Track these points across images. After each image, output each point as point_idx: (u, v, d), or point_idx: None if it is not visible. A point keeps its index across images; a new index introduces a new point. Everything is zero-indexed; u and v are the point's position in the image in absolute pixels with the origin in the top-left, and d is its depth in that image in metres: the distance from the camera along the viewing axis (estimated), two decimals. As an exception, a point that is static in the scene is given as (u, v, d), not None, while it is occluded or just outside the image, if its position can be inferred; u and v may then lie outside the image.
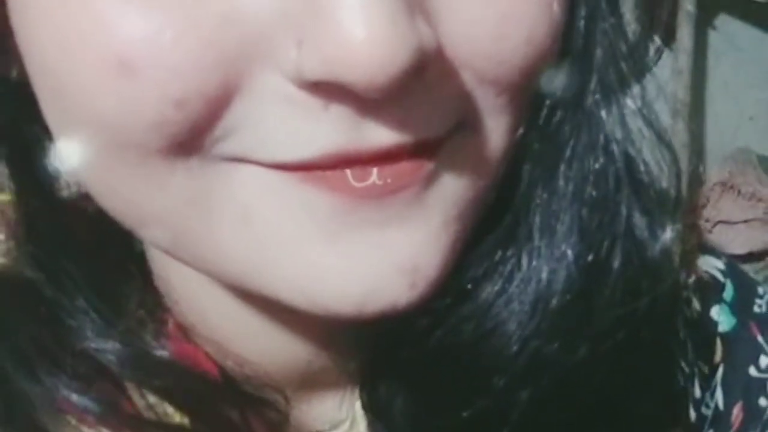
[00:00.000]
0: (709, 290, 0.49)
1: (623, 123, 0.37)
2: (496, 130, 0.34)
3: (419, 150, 0.31)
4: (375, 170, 0.30)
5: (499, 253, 0.38)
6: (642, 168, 0.38)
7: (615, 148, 0.37)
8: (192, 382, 0.40)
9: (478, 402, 0.38)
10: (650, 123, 0.38)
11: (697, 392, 0.48)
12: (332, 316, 0.32)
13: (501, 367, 0.38)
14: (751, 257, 1.99)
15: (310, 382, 0.43)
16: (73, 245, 0.40)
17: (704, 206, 2.05)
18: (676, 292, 0.43)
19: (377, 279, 0.32)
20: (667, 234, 0.38)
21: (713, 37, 2.22)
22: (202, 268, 0.35)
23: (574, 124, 0.37)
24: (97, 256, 0.40)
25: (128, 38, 0.28)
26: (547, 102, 0.36)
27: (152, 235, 0.34)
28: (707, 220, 2.03)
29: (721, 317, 0.49)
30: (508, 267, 0.38)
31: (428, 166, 0.32)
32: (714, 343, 0.49)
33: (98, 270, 0.39)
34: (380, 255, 0.32)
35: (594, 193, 0.37)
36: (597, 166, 0.37)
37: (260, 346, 0.41)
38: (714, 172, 2.16)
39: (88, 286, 0.39)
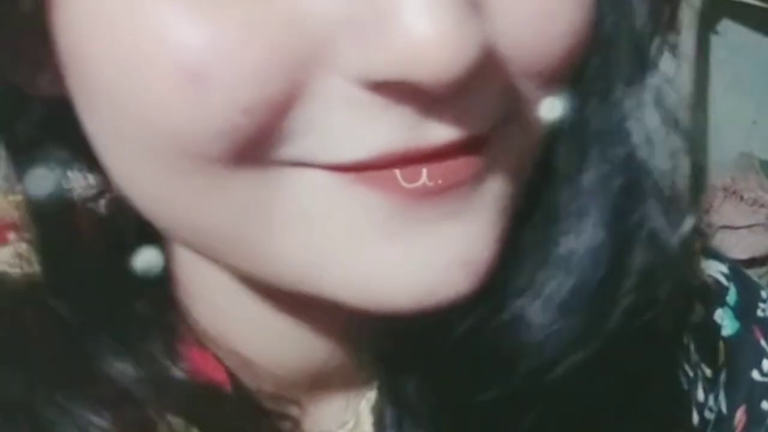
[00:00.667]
0: (713, 294, 0.50)
1: (644, 114, 0.38)
2: (537, 122, 0.34)
3: (470, 146, 0.32)
4: (425, 171, 0.31)
5: (529, 243, 0.39)
6: (660, 159, 0.39)
7: (637, 137, 0.38)
8: (207, 399, 0.40)
9: (499, 391, 0.39)
10: (667, 114, 0.39)
11: (701, 395, 0.48)
12: (392, 312, 0.33)
13: (523, 356, 0.39)
14: (754, 262, 1.99)
15: (320, 384, 0.44)
16: (83, 249, 0.40)
17: (707, 211, 2.04)
18: (690, 281, 0.44)
19: (436, 273, 0.32)
20: (686, 224, 0.39)
21: (716, 42, 2.23)
22: (253, 273, 0.35)
23: (602, 113, 0.38)
24: (108, 261, 0.40)
25: (195, 48, 0.29)
26: (577, 92, 0.37)
27: (202, 242, 0.34)
28: (710, 225, 2.03)
29: (725, 321, 0.49)
30: (537, 258, 0.39)
31: (478, 162, 0.32)
32: (717, 347, 0.49)
33: (111, 277, 0.39)
34: (438, 250, 0.32)
35: (619, 183, 0.38)
36: (622, 155, 0.38)
37: (278, 348, 0.42)
38: (717, 177, 2.16)
39: (101, 297, 0.39)
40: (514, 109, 0.33)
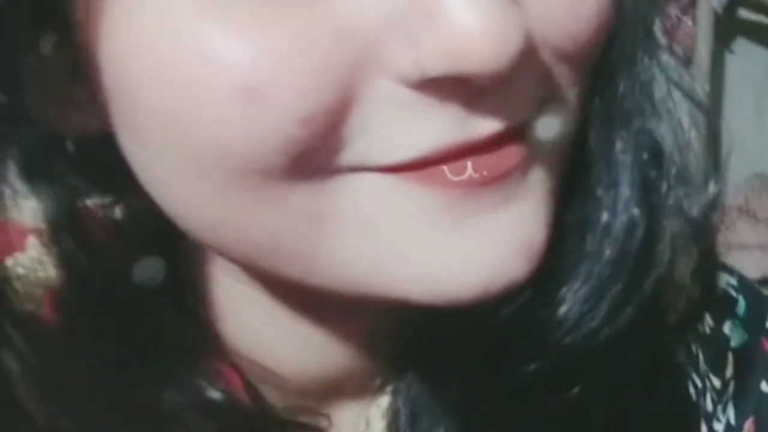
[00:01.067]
0: (722, 306, 0.50)
1: (663, 89, 0.39)
2: (572, 103, 0.35)
3: (512, 136, 0.33)
4: (469, 164, 0.32)
5: (567, 222, 0.40)
6: (680, 132, 0.40)
7: (659, 112, 0.39)
8: (242, 418, 0.41)
9: (540, 366, 0.39)
10: (685, 89, 0.40)
11: (709, 406, 0.48)
12: (457, 303, 0.33)
13: (563, 331, 0.39)
14: (766, 282, 1.99)
15: (336, 392, 0.44)
16: (99, 258, 0.40)
17: (721, 230, 2.03)
18: (712, 255, 0.45)
19: (497, 260, 0.33)
20: (707, 192, 0.40)
21: (731, 61, 2.23)
22: (307, 280, 0.35)
23: (626, 90, 0.39)
24: (126, 271, 0.40)
25: (245, 65, 0.29)
26: (604, 69, 0.38)
27: (257, 255, 0.35)
28: (723, 244, 2.02)
29: (734, 333, 0.49)
30: (576, 236, 0.40)
31: (521, 151, 0.33)
32: (726, 358, 0.49)
33: (130, 288, 0.39)
34: (496, 237, 0.33)
35: (646, 157, 0.39)
36: (646, 130, 0.39)
37: (300, 356, 0.42)
38: (731, 197, 2.16)
39: (122, 310, 0.39)
40: (549, 94, 0.34)
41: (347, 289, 0.34)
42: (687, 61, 0.42)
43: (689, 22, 2.04)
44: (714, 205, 0.41)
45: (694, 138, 0.40)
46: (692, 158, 0.40)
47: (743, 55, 2.23)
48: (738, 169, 2.24)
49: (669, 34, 0.41)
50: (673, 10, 0.42)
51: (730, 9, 2.09)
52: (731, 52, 2.22)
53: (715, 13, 2.08)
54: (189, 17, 0.30)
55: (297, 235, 0.33)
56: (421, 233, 0.32)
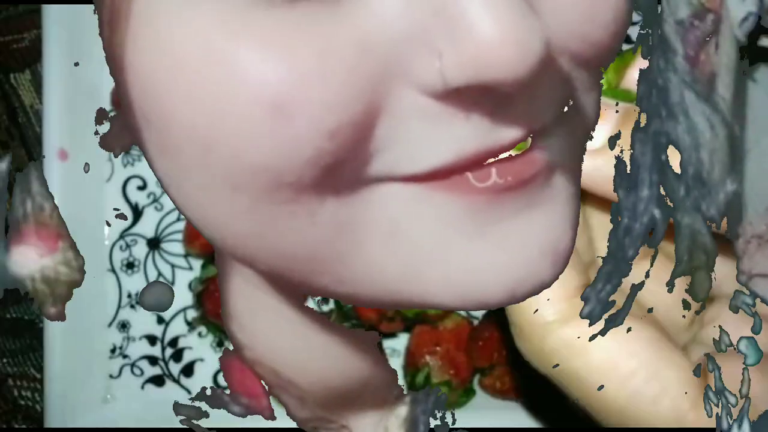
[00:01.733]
0: (738, 324, 0.50)
1: (679, 89, 0.41)
2: (590, 107, 0.36)
3: (534, 141, 0.33)
4: (493, 170, 0.32)
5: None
6: (697, 131, 0.41)
7: (676, 112, 0.40)
8: None
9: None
10: (700, 89, 0.41)
11: (725, 424, 0.48)
12: (486, 307, 0.34)
13: None
14: (787, 310, 1.97)
15: (355, 402, 0.45)
16: None
17: (740, 258, 2.02)
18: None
19: (524, 264, 0.33)
20: (725, 191, 0.42)
21: (753, 89, 2.22)
22: (340, 289, 0.35)
23: (644, 90, 0.40)
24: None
25: (273, 82, 0.29)
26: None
27: (286, 267, 0.35)
28: (743, 273, 2.00)
29: (749, 350, 0.50)
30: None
31: (544, 156, 0.33)
32: (743, 376, 0.49)
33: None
34: (521, 242, 0.33)
35: (664, 158, 0.40)
36: (664, 130, 0.40)
37: (320, 367, 0.43)
38: (751, 225, 2.15)
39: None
40: (569, 98, 0.34)
41: (378, 297, 0.35)
42: (710, 89, 0.42)
43: (712, 50, 2.04)
44: (731, 204, 0.41)
45: (711, 140, 0.41)
46: (709, 159, 0.41)
47: (766, 83, 2.22)
48: (758, 198, 2.23)
49: (691, 61, 0.42)
50: (695, 38, 0.43)
51: (752, 37, 2.09)
52: (754, 80, 2.22)
53: (738, 42, 2.08)
54: (215, 36, 0.30)
55: (328, 245, 0.33)
56: (447, 240, 0.33)
